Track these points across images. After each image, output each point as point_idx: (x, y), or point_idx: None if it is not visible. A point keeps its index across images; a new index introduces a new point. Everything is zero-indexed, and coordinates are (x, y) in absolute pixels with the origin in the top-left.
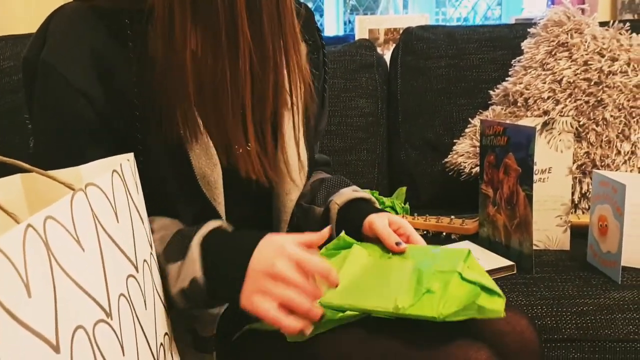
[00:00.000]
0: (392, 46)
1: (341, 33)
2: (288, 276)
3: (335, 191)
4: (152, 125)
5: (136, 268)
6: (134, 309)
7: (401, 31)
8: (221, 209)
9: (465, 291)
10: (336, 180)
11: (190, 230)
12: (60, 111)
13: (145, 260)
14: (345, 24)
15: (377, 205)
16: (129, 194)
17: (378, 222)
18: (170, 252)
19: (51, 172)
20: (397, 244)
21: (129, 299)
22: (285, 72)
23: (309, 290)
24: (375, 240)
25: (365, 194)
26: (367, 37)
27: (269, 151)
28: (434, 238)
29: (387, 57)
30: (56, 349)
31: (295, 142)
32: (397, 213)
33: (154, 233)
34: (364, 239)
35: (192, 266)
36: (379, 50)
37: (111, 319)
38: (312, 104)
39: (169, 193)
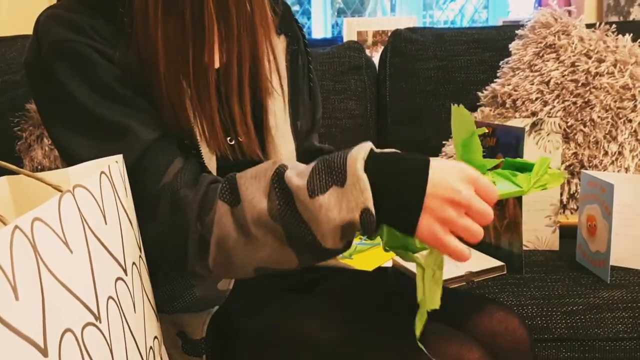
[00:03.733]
0: (380, 48)
1: (329, 36)
2: (474, 205)
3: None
4: (160, 109)
5: (125, 271)
6: (123, 312)
7: (389, 33)
8: None
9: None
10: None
11: (333, 156)
12: (97, 73)
13: (134, 263)
14: (332, 27)
15: None
16: (117, 195)
17: None
18: (317, 183)
19: (39, 174)
20: None
21: (117, 302)
22: (248, 43)
23: (486, 217)
24: None
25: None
26: (355, 39)
27: (249, 139)
28: None
29: (376, 59)
30: (44, 352)
31: (280, 131)
32: None
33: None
34: None
35: (360, 196)
36: (367, 52)
37: (100, 322)
38: (297, 95)
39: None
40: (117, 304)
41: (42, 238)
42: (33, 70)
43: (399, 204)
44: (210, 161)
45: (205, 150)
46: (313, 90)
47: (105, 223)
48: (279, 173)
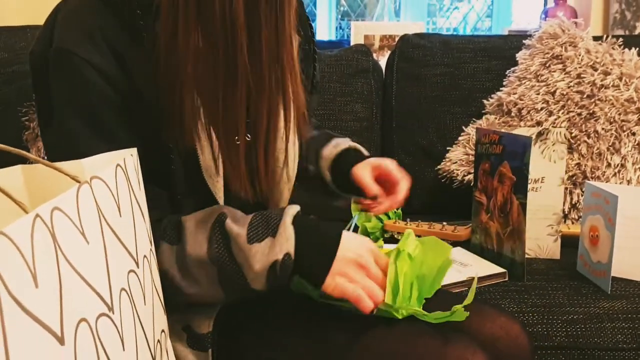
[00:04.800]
0: (387, 53)
1: (333, 38)
2: (372, 269)
3: (321, 149)
4: (161, 119)
5: (137, 263)
6: (134, 305)
7: (396, 38)
8: (221, 202)
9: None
10: (321, 136)
11: (271, 212)
12: (87, 94)
13: (145, 256)
14: (336, 29)
15: (362, 150)
16: (132, 189)
17: (359, 173)
18: (255, 233)
19: (56, 164)
20: (373, 198)
21: (129, 293)
22: (279, 99)
23: (381, 284)
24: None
25: (345, 142)
26: (362, 42)
27: (260, 158)
28: None
29: (382, 63)
30: (61, 340)
31: (286, 143)
32: (389, 218)
33: (193, 227)
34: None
35: (285, 243)
36: (374, 56)
37: (113, 313)
38: (305, 118)
39: (175, 186)
40: (129, 296)
41: (61, 227)
42: (37, 64)
43: (313, 259)
44: (215, 168)
45: (204, 157)
46: (314, 88)
47: (120, 215)
48: (220, 221)
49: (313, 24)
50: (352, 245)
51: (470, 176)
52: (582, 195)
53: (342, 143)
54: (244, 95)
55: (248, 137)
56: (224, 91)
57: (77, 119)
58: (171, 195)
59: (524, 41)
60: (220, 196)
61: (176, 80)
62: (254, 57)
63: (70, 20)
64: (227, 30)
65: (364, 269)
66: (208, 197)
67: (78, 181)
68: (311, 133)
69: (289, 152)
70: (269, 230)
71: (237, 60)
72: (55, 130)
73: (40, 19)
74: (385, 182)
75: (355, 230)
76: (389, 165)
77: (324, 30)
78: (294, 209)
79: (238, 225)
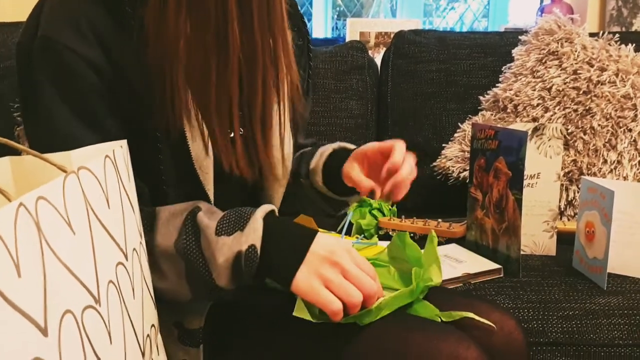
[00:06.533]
0: (382, 50)
1: (329, 37)
2: (350, 270)
3: (311, 158)
4: (151, 106)
5: (125, 256)
6: (123, 298)
7: (392, 35)
8: (210, 195)
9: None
10: (311, 151)
11: (246, 208)
12: (73, 83)
13: (134, 249)
14: (332, 29)
15: (347, 147)
16: (121, 180)
17: (348, 170)
18: (226, 226)
19: (44, 155)
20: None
21: (117, 286)
22: (273, 71)
23: (364, 283)
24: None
25: (328, 147)
26: (358, 40)
27: (257, 144)
28: (421, 241)
29: (377, 60)
30: (44, 332)
31: (280, 136)
32: (384, 215)
33: (168, 219)
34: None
35: (252, 234)
36: (369, 53)
37: (100, 305)
38: (300, 98)
39: (163, 175)
40: (117, 289)
41: (46, 217)
42: (23, 54)
43: (282, 255)
44: (206, 158)
45: (194, 148)
46: (309, 90)
47: (108, 207)
48: (194, 212)
49: (309, 24)
50: (327, 242)
51: (466, 173)
52: (578, 192)
53: (326, 150)
54: (237, 70)
55: (241, 131)
56: (217, 69)
57: (64, 108)
58: (157, 186)
59: (519, 37)
60: (209, 188)
61: (166, 64)
62: (245, 26)
63: (57, 9)
64: (218, 2)
65: (338, 267)
66: (197, 189)
67: (65, 171)
68: (305, 144)
69: (284, 141)
70: (239, 225)
71: (228, 31)
72: (41, 122)
73: None
74: (382, 162)
75: (350, 227)
76: (372, 146)
77: (320, 30)
78: (269, 207)
79: (210, 219)
